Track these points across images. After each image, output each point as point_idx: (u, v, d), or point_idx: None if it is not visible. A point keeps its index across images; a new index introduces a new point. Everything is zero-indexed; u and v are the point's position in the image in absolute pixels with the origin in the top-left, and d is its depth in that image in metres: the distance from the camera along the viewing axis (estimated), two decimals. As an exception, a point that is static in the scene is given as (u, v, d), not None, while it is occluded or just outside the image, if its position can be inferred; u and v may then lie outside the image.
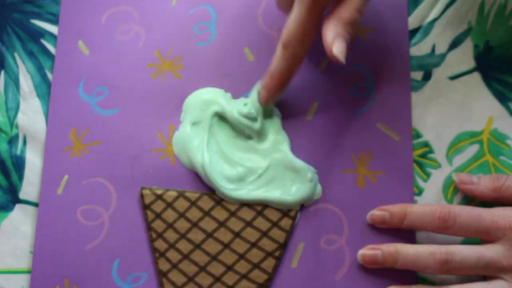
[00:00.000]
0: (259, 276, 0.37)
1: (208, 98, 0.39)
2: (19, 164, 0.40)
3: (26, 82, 0.41)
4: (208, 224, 0.38)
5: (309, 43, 0.36)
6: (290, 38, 0.35)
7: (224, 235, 0.38)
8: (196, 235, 0.38)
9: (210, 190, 0.38)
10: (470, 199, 0.38)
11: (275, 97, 0.38)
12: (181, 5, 0.42)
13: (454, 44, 0.40)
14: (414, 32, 0.41)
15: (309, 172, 0.38)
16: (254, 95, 0.38)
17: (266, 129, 0.38)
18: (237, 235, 0.37)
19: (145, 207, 0.38)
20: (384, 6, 0.41)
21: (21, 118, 0.41)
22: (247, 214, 0.38)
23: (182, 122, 0.39)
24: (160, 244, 0.38)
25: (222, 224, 0.38)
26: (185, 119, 0.39)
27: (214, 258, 0.37)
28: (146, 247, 0.38)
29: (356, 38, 0.41)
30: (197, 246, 0.38)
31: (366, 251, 0.36)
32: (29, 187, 0.40)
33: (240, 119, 0.38)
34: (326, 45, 0.34)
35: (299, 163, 0.38)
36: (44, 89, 0.41)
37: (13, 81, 0.42)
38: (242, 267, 0.37)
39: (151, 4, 0.42)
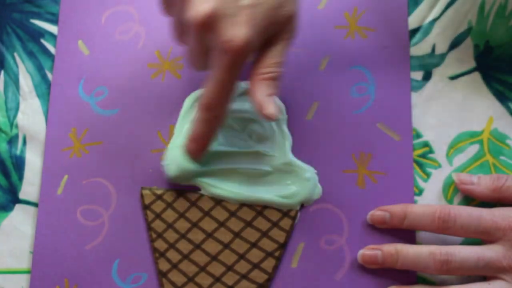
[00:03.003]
0: (259, 276, 0.37)
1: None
2: (19, 164, 0.40)
3: (26, 82, 0.41)
4: (208, 224, 0.38)
5: (230, 103, 0.34)
6: (210, 101, 0.33)
7: (224, 235, 0.38)
8: (196, 235, 0.38)
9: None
10: (470, 199, 0.38)
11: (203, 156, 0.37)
12: (181, 5, 0.42)
13: (454, 44, 0.40)
14: (414, 32, 0.41)
15: (308, 172, 0.38)
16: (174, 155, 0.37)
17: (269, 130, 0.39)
18: (237, 235, 0.37)
19: (145, 207, 0.38)
20: (384, 6, 0.41)
21: (21, 118, 0.41)
22: (247, 214, 0.38)
23: (174, 140, 0.39)
24: (160, 244, 0.38)
25: (222, 224, 0.38)
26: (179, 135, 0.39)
27: (214, 258, 0.37)
28: (146, 247, 0.38)
29: (356, 38, 0.41)
30: (197, 246, 0.38)
31: (366, 251, 0.37)
32: (29, 187, 0.40)
33: None
34: (257, 106, 0.33)
35: (298, 163, 0.38)
36: (44, 89, 0.41)
37: (13, 81, 0.42)
38: (242, 267, 0.37)
39: (151, 4, 0.42)
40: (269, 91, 0.33)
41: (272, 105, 0.33)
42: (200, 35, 0.32)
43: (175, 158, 0.37)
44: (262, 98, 0.33)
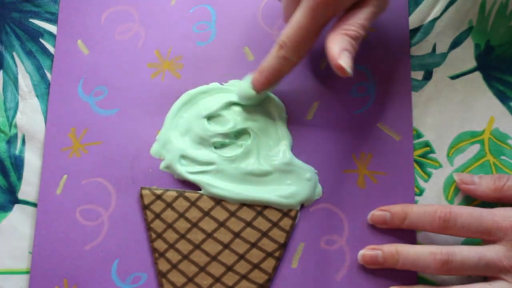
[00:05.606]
0: (259, 276, 0.37)
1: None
2: (18, 164, 0.40)
3: (25, 81, 0.41)
4: (208, 224, 0.38)
5: (305, 51, 0.35)
6: (286, 40, 0.35)
7: (224, 235, 0.37)
8: (196, 235, 0.38)
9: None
10: (471, 199, 0.38)
11: (265, 90, 0.37)
12: (181, 5, 0.42)
13: (455, 43, 0.40)
14: (414, 31, 0.41)
15: (308, 172, 0.38)
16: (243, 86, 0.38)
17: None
18: (237, 235, 0.37)
19: (145, 207, 0.38)
20: (384, 6, 0.41)
21: (20, 118, 0.41)
22: (247, 214, 0.38)
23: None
24: (160, 244, 0.38)
25: (222, 224, 0.38)
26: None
27: (214, 258, 0.37)
28: (146, 247, 0.38)
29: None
30: (197, 247, 0.37)
31: (367, 252, 0.36)
32: (28, 187, 0.40)
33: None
34: (331, 57, 0.33)
35: (298, 163, 0.38)
36: (43, 89, 0.41)
37: (12, 80, 0.41)
38: (242, 267, 0.37)
39: (151, 3, 0.42)
40: (345, 45, 0.34)
41: (345, 58, 0.33)
42: None
43: (242, 82, 0.38)
44: (337, 50, 0.33)
